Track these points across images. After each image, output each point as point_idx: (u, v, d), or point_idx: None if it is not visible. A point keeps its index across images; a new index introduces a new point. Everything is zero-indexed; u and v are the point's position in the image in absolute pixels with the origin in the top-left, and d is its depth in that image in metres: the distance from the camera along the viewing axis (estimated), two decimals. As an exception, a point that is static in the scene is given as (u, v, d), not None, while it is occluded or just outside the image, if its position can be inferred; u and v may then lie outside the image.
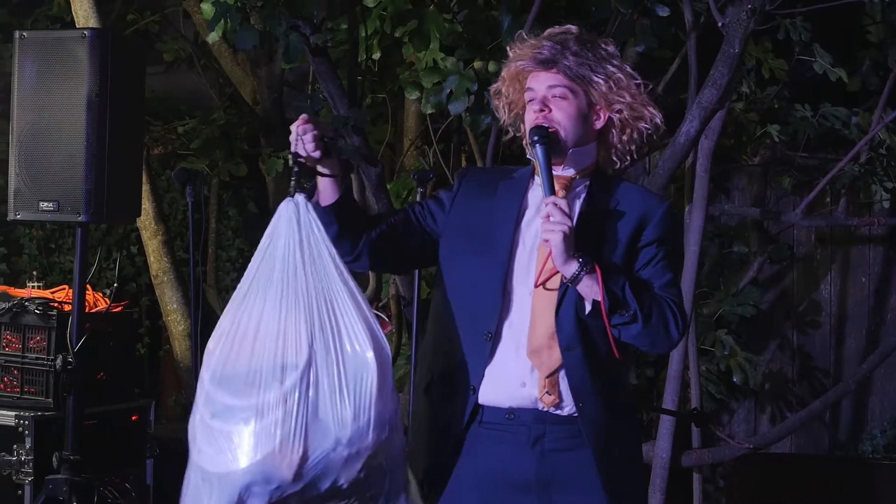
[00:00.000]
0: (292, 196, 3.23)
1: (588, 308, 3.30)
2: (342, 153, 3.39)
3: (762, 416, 6.96)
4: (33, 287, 5.70)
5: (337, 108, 5.31)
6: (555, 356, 3.35)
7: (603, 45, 3.44)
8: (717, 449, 6.17)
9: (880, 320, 6.82)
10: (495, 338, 3.37)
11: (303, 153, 3.28)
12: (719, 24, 5.17)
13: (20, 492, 5.28)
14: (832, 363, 6.90)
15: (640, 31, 5.35)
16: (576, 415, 3.35)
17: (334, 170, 3.36)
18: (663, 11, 5.26)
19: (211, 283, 7.75)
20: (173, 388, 8.03)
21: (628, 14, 5.16)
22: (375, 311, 5.52)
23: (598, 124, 3.42)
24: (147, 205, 6.46)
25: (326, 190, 3.37)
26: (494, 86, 3.55)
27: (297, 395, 3.10)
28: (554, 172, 3.39)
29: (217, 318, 7.97)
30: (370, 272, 5.90)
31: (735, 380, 6.50)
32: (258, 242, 8.50)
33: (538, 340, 3.35)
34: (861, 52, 6.37)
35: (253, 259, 3.24)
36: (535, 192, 3.46)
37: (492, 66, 5.36)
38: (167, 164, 7.83)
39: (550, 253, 3.27)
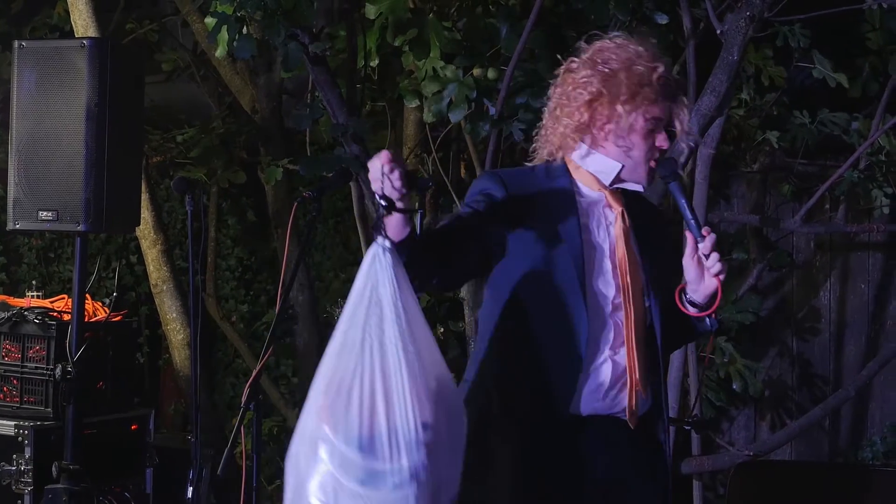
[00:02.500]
0: (380, 240, 3.13)
1: (707, 326, 3.53)
2: (419, 183, 3.29)
3: (762, 423, 6.97)
4: (33, 296, 5.73)
5: (336, 116, 5.33)
6: (647, 367, 3.44)
7: None
8: (717, 456, 6.15)
9: (880, 327, 6.82)
10: (584, 356, 3.37)
11: (389, 192, 3.11)
12: (718, 32, 5.19)
13: (20, 502, 5.30)
14: (832, 370, 6.91)
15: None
16: (647, 417, 3.47)
17: (409, 203, 3.23)
18: (662, 19, 5.29)
19: (210, 292, 7.75)
20: (173, 397, 8.04)
21: (627, 21, 5.17)
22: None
23: None
24: (146, 214, 6.49)
25: (398, 225, 3.20)
26: (592, 73, 3.45)
27: (435, 453, 3.06)
28: (610, 188, 3.48)
29: (216, 326, 7.97)
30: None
31: (735, 387, 6.51)
32: (258, 251, 8.47)
33: (641, 362, 3.41)
34: (860, 59, 6.39)
35: (354, 304, 3.14)
36: (588, 203, 3.48)
37: (491, 74, 5.37)
38: (166, 174, 7.85)
39: (720, 284, 3.40)
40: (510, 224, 3.43)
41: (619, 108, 3.40)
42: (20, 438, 5.32)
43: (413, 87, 5.56)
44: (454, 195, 5.95)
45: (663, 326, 3.47)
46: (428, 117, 5.43)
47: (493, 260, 3.46)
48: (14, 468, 5.31)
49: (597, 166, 3.46)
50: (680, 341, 3.70)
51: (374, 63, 5.79)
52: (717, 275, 3.37)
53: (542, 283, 3.40)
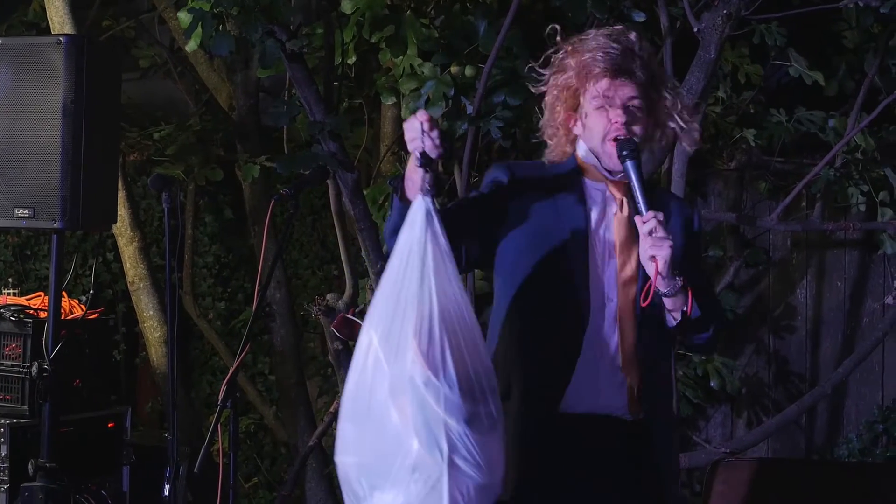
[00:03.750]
0: (427, 198, 3.21)
1: (674, 322, 3.40)
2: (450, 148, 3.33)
3: (739, 420, 6.99)
4: (9, 294, 5.72)
5: (313, 113, 5.32)
6: (639, 368, 3.43)
7: (655, 59, 3.52)
8: (693, 453, 6.19)
9: (855, 324, 6.85)
10: (582, 349, 3.40)
11: (429, 149, 3.19)
12: (695, 30, 5.21)
13: (-4, 499, 5.29)
14: (808, 367, 6.93)
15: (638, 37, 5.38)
16: (644, 420, 3.45)
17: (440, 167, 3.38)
18: (639, 17, 5.31)
19: (187, 290, 7.78)
20: (149, 395, 8.06)
21: (604, 19, 5.18)
22: (352, 317, 5.51)
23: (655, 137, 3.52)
24: (123, 211, 6.49)
25: (422, 184, 3.27)
26: (552, 74, 3.51)
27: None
28: (612, 178, 3.47)
29: (193, 324, 7.93)
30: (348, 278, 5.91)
31: (712, 384, 6.53)
32: (235, 248, 8.46)
33: (628, 354, 3.42)
34: (836, 57, 6.42)
35: (418, 253, 3.18)
36: (593, 194, 3.49)
37: (468, 71, 5.38)
38: (143, 171, 7.85)
39: (657, 268, 3.30)
40: (513, 213, 3.46)
41: (565, 96, 3.46)
42: (-4, 436, 5.32)
43: (390, 85, 5.57)
44: (431, 193, 5.95)
45: (647, 319, 3.44)
46: (405, 114, 5.42)
47: (493, 241, 3.49)
48: (-10, 466, 5.30)
49: (591, 159, 3.49)
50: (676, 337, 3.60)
51: (352, 60, 5.79)
52: (652, 258, 3.30)
53: (549, 274, 3.42)
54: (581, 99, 3.45)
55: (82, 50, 5.13)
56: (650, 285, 3.35)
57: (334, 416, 6.29)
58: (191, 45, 5.44)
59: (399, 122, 6.22)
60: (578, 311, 3.40)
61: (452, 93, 5.31)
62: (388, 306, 3.16)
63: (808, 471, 6.22)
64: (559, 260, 3.41)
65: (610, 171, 3.47)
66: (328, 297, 5.85)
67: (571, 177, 3.51)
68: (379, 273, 5.47)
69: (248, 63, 7.11)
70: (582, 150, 3.53)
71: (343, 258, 5.97)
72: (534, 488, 3.43)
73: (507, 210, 3.47)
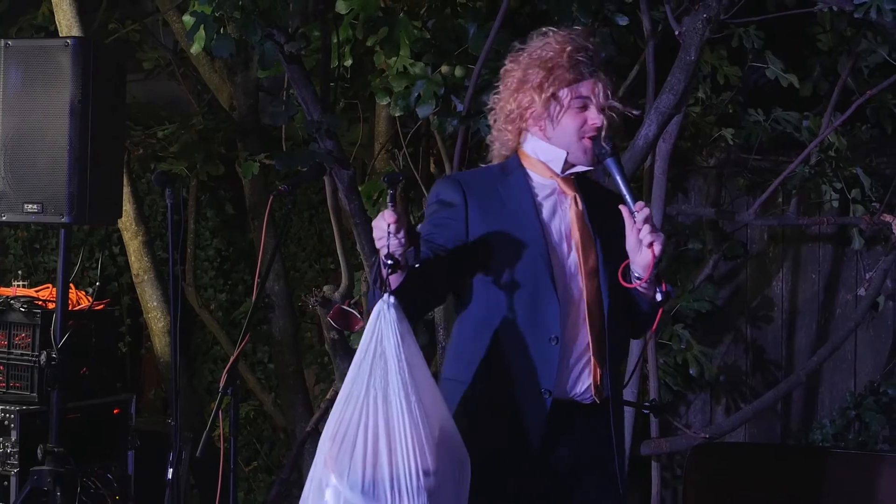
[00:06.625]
0: (385, 297, 3.23)
1: (647, 306, 3.54)
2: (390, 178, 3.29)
3: (717, 406, 7.03)
4: (18, 286, 5.76)
5: (311, 113, 5.36)
6: (608, 356, 3.54)
7: None
8: (674, 439, 6.23)
9: (829, 315, 6.88)
10: (561, 339, 3.49)
11: (395, 249, 3.19)
12: (676, 33, 5.28)
13: (6, 483, 5.37)
14: (784, 356, 6.96)
15: (600, 39, 5.46)
16: (605, 402, 3.57)
17: (411, 258, 3.30)
18: (623, 20, 5.33)
19: (189, 282, 7.82)
20: (153, 383, 8.10)
21: (589, 23, 5.18)
22: (348, 308, 5.61)
23: None
24: (128, 207, 6.53)
25: (398, 275, 3.29)
26: (518, 68, 3.57)
27: (436, 498, 3.22)
28: (562, 175, 3.58)
29: (195, 314, 7.95)
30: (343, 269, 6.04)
31: (692, 372, 6.56)
32: (235, 242, 8.48)
33: (598, 343, 3.52)
34: (811, 60, 6.45)
35: (360, 358, 3.26)
36: (540, 187, 3.58)
37: (458, 72, 5.44)
38: (147, 168, 7.85)
39: (655, 254, 3.40)
40: (473, 233, 3.52)
41: (535, 93, 3.51)
42: (6, 422, 5.38)
43: (384, 86, 5.58)
44: (423, 189, 6.02)
45: (613, 306, 3.54)
46: (395, 111, 5.45)
47: (465, 272, 3.56)
48: (0, 451, 5.38)
49: (546, 155, 3.56)
50: (638, 321, 3.69)
51: (348, 63, 5.84)
52: (650, 245, 3.40)
53: (513, 276, 3.47)
54: (537, 97, 3.52)
55: (89, 52, 5.21)
56: (624, 268, 3.46)
57: (330, 403, 6.35)
58: (195, 48, 5.46)
59: (393, 121, 6.25)
60: (552, 306, 3.48)
61: (443, 92, 5.38)
62: (337, 409, 3.29)
63: (783, 455, 6.25)
64: (521, 261, 3.48)
65: (562, 169, 3.56)
66: (325, 288, 5.90)
67: (518, 177, 3.58)
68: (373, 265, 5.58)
69: (248, 64, 7.15)
70: (530, 147, 3.59)
71: (339, 252, 6.02)
72: (520, 464, 3.53)
73: (468, 231, 3.52)
